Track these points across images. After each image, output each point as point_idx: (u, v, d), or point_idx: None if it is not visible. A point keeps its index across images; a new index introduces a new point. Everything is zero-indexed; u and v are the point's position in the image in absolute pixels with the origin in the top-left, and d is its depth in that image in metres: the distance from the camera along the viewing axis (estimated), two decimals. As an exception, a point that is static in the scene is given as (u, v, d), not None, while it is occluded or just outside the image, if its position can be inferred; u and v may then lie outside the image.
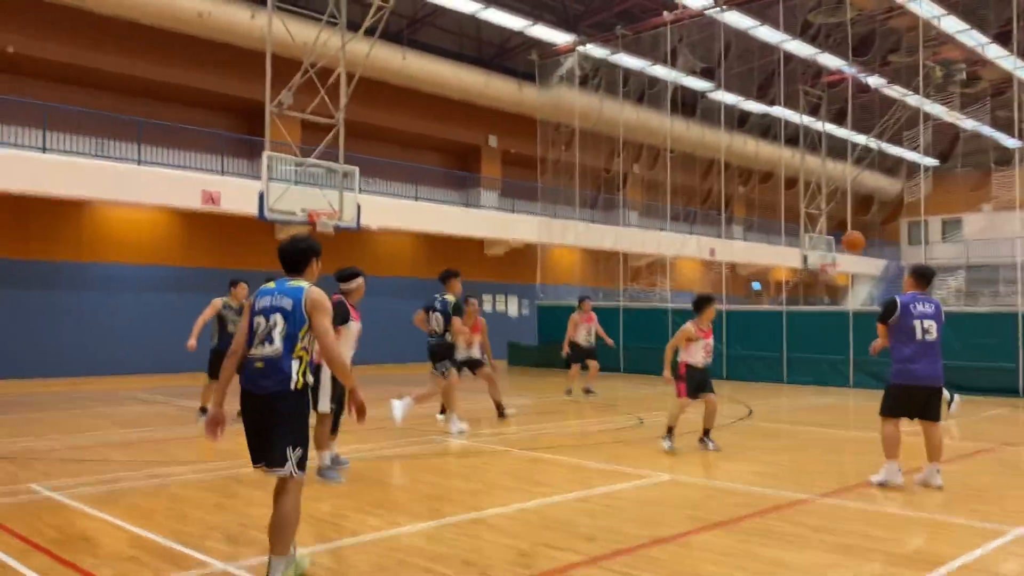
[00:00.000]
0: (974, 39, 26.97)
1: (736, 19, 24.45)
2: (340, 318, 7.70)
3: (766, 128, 33.75)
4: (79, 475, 8.03)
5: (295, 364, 4.69)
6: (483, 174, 28.40)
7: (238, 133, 22.51)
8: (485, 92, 26.21)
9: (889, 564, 5.23)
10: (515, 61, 27.99)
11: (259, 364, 4.68)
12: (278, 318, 4.73)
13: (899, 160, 39.17)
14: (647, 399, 15.88)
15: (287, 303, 4.76)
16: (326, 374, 7.64)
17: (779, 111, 29.23)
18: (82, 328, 19.07)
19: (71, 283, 19.18)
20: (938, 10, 24.37)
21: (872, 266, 40.86)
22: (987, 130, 35.69)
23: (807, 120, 30.90)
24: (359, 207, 17.15)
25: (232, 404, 4.99)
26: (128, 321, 19.68)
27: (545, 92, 26.87)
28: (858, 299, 39.79)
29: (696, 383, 9.50)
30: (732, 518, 6.35)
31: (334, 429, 8.11)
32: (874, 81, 30.57)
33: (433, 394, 11.22)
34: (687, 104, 30.01)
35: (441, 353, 10.87)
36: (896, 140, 34.27)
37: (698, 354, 9.52)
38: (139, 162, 19.05)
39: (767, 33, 25.51)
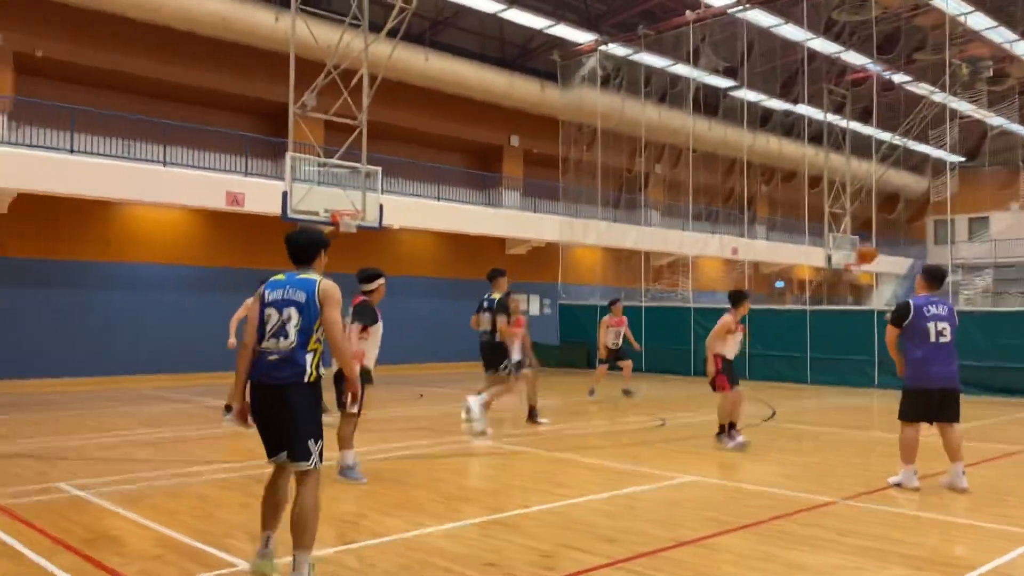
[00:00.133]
0: (1001, 36, 26.64)
1: (759, 17, 24.30)
2: (369, 318, 7.80)
3: (789, 127, 33.48)
4: (105, 474, 8.13)
5: (309, 357, 4.71)
6: (505, 174, 28.42)
7: (262, 134, 22.67)
8: (507, 92, 26.22)
9: (912, 568, 5.18)
10: (537, 61, 27.98)
11: (274, 357, 4.70)
12: (292, 311, 4.74)
13: (925, 158, 38.74)
14: (669, 400, 15.83)
15: (300, 296, 4.77)
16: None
17: (803, 109, 29.00)
18: (108, 327, 19.29)
19: (97, 283, 19.40)
20: (965, 7, 24.08)
21: (897, 265, 40.44)
22: (1015, 127, 35.23)
23: (831, 118, 30.63)
24: (381, 207, 17.21)
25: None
26: (153, 320, 19.88)
27: (567, 92, 26.85)
28: (883, 298, 39.38)
29: (730, 375, 9.58)
30: (754, 520, 6.32)
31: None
32: (899, 79, 30.27)
33: (508, 391, 11.22)
34: (709, 103, 29.84)
35: (495, 351, 10.86)
36: (922, 138, 33.91)
37: (733, 346, 9.64)
38: (165, 163, 19.24)
39: (791, 31, 25.31)
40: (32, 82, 19.78)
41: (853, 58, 28.44)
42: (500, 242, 27.02)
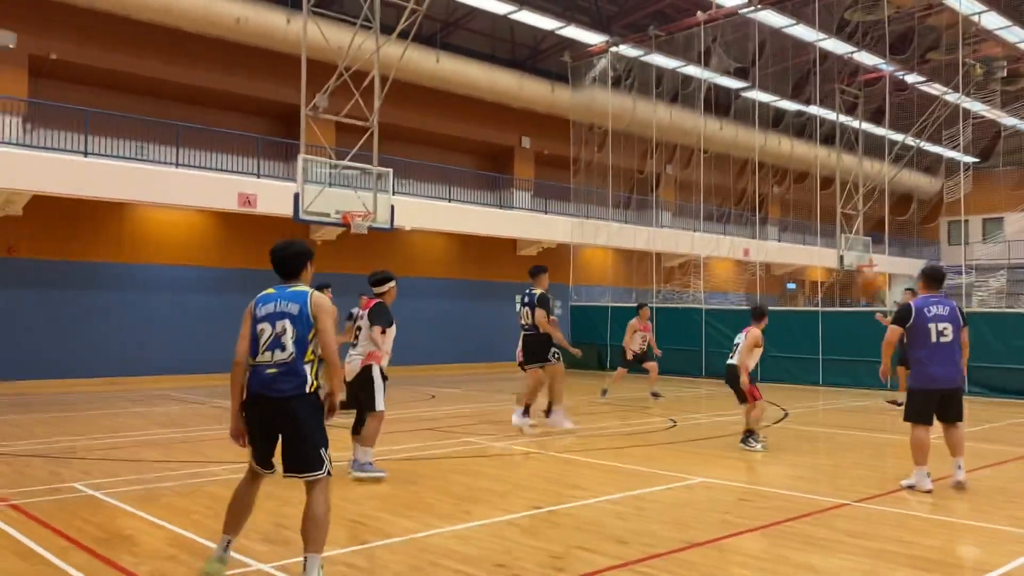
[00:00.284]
0: (1015, 35, 26.46)
1: (771, 18, 24.21)
2: (387, 320, 7.96)
3: (801, 127, 33.36)
4: (118, 474, 8.19)
5: (308, 367, 4.76)
6: (516, 175, 28.42)
7: (274, 136, 22.74)
8: (518, 94, 26.23)
9: (924, 571, 5.16)
10: (548, 62, 27.97)
11: (272, 370, 4.71)
12: (287, 324, 4.76)
13: (938, 158, 38.52)
14: (680, 401, 15.80)
15: (293, 308, 4.80)
16: (377, 373, 7.89)
17: (815, 110, 28.88)
18: (121, 328, 19.39)
19: (111, 284, 19.51)
20: (978, 6, 23.92)
21: (911, 266, 40.15)
22: (1029, 128, 35.00)
23: (843, 119, 30.50)
24: (393, 208, 17.25)
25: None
26: (166, 321, 19.97)
27: (578, 93, 26.83)
28: (896, 300, 39.21)
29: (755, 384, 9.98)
30: (766, 522, 6.31)
31: (359, 431, 8.20)
32: (912, 79, 30.11)
33: (540, 387, 11.47)
34: (721, 104, 29.77)
35: (539, 344, 11.14)
36: (935, 138, 33.71)
37: (757, 358, 10.01)
38: (177, 165, 19.32)
39: (802, 31, 25.21)
40: (46, 85, 19.91)
41: (865, 58, 28.31)
42: (511, 243, 27.03)
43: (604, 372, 22.54)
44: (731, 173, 31.79)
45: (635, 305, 17.55)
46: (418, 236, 24.54)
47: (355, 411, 8.43)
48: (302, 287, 4.93)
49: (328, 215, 16.28)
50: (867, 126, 32.32)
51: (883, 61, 28.14)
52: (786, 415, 13.44)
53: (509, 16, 24.04)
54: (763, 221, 34.95)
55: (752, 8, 23.07)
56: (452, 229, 24.39)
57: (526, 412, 11.47)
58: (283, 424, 4.71)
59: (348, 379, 8.10)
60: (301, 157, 16.05)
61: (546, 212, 27.67)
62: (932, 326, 7.42)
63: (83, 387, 18.12)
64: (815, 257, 34.56)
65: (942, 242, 44.66)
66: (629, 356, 15.81)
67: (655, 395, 15.77)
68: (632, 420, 12.89)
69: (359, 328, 8.17)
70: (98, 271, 19.37)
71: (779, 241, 35.97)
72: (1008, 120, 34.18)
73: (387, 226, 17.24)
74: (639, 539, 5.80)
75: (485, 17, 25.49)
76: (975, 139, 34.48)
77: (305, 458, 4.72)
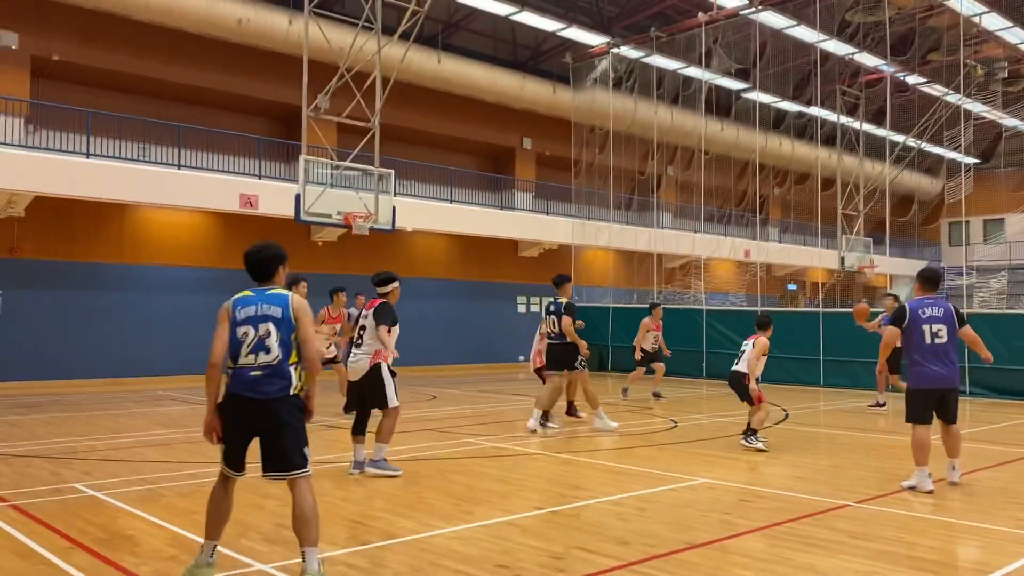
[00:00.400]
0: (1016, 36, 26.45)
1: (772, 19, 24.21)
2: (391, 319, 8.08)
3: (802, 128, 33.37)
4: (120, 474, 8.19)
5: (292, 369, 4.82)
6: (517, 176, 28.43)
7: (275, 137, 22.77)
8: (519, 95, 26.24)
9: (926, 571, 5.16)
10: (549, 63, 27.99)
11: (256, 372, 4.75)
12: (270, 327, 4.81)
13: (939, 159, 38.51)
14: (681, 402, 15.81)
15: (276, 311, 4.85)
16: (386, 371, 8.01)
17: (816, 111, 28.89)
18: (123, 329, 19.41)
19: (113, 285, 19.53)
20: (979, 7, 23.92)
21: (911, 267, 40.11)
22: (1031, 129, 34.99)
23: (844, 120, 30.50)
24: (394, 209, 17.26)
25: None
26: (167, 322, 19.99)
27: (579, 94, 26.84)
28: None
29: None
30: (767, 523, 6.31)
31: (361, 430, 8.23)
32: (913, 80, 30.09)
33: (559, 393, 11.79)
34: (722, 105, 29.78)
35: (567, 352, 11.30)
36: (936, 139, 33.70)
37: (762, 367, 10.28)
38: (179, 166, 19.34)
39: (803, 32, 25.22)
40: (48, 85, 19.93)
41: (867, 59, 28.30)
42: (512, 244, 27.05)
43: (605, 373, 22.55)
44: (732, 174, 31.80)
45: (646, 305, 17.71)
46: (419, 237, 24.55)
47: (355, 412, 8.47)
48: (280, 290, 4.99)
49: (330, 216, 16.29)
50: (868, 127, 32.32)
51: (884, 62, 28.14)
52: (787, 416, 13.44)
53: (510, 17, 24.06)
54: (764, 222, 34.97)
55: (753, 9, 23.07)
56: (453, 230, 24.41)
57: (545, 417, 11.62)
58: (266, 425, 4.76)
59: (354, 379, 8.17)
60: (302, 158, 16.06)
61: (547, 213, 27.69)
62: (927, 328, 7.53)
63: (85, 388, 18.13)
64: (816, 258, 34.56)
65: (943, 243, 44.66)
66: (639, 355, 15.93)
67: (656, 395, 15.89)
68: (634, 421, 12.89)
69: (363, 328, 8.20)
70: (100, 272, 19.39)
71: (780, 242, 35.97)
72: (1009, 121, 34.17)
73: (388, 227, 17.25)
74: (640, 540, 5.80)
75: (486, 18, 25.51)
76: (976, 140, 34.47)
77: (290, 458, 4.78)
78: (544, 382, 12.32)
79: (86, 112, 18.65)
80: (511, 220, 25.71)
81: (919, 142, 34.04)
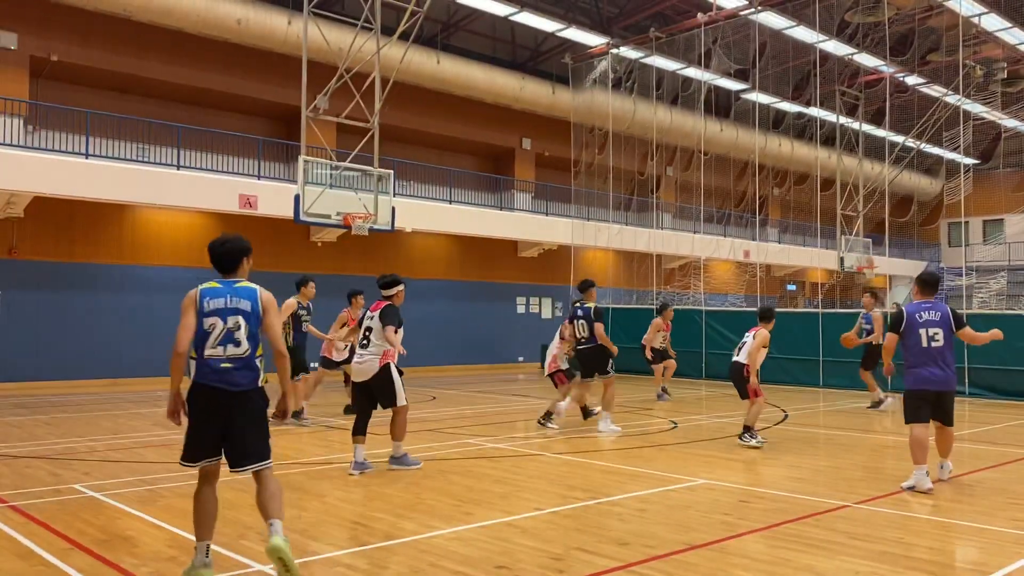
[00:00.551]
0: (1015, 37, 26.46)
1: (771, 19, 24.21)
2: (397, 320, 8.32)
3: (802, 129, 33.39)
4: (119, 475, 8.19)
5: (259, 362, 4.95)
6: (517, 177, 28.43)
7: (275, 137, 22.76)
8: (519, 95, 26.24)
9: (926, 572, 5.16)
10: (549, 64, 27.99)
11: (227, 364, 4.85)
12: (239, 319, 4.92)
13: (939, 160, 38.54)
14: (681, 402, 15.80)
15: (245, 304, 4.95)
16: (395, 371, 8.27)
17: (815, 112, 28.89)
18: (122, 330, 19.40)
19: (112, 285, 19.52)
20: (978, 8, 23.92)
21: (911, 268, 40.24)
22: (1030, 129, 34.99)
23: (844, 121, 30.51)
24: (394, 210, 17.25)
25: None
26: (167, 323, 19.82)
27: (579, 95, 26.84)
28: (896, 301, 39.22)
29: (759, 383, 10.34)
30: (767, 524, 6.31)
31: (362, 431, 8.27)
32: (912, 80, 30.10)
33: (585, 394, 12.15)
34: (721, 106, 29.79)
35: (597, 356, 11.38)
36: (936, 140, 33.73)
37: (762, 359, 10.36)
38: (178, 167, 19.33)
39: (803, 33, 25.22)
40: (47, 86, 19.93)
41: (866, 60, 28.30)
42: (512, 245, 27.05)
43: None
44: (731, 175, 31.82)
45: (648, 306, 17.78)
46: (419, 238, 24.55)
47: (357, 413, 8.50)
48: (248, 283, 5.08)
49: (329, 217, 16.28)
50: (867, 128, 32.32)
51: (883, 63, 28.14)
52: (786, 416, 13.44)
53: (510, 18, 24.05)
54: (763, 223, 34.97)
55: (752, 10, 23.07)
56: (453, 231, 24.41)
57: (547, 416, 11.87)
58: (239, 416, 4.86)
59: (361, 379, 8.33)
60: (302, 158, 16.05)
61: (547, 214, 27.70)
62: (923, 331, 7.68)
63: (84, 388, 18.13)
64: (815, 259, 34.59)
65: (942, 244, 44.67)
66: (649, 354, 16.09)
67: (662, 394, 15.98)
68: (633, 422, 12.88)
69: (368, 329, 8.36)
70: (99, 272, 19.39)
71: (779, 243, 35.98)
72: (1008, 122, 34.18)
73: (388, 228, 17.24)
74: (640, 540, 5.80)
75: (486, 19, 25.52)
76: (975, 141, 34.48)
77: (260, 449, 4.91)
78: (556, 385, 12.36)
79: (85, 112, 18.65)
80: (510, 221, 25.72)
81: (918, 143, 34.05)
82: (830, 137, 31.31)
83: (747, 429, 10.13)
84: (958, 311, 7.97)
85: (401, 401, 8.31)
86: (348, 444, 8.35)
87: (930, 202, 42.00)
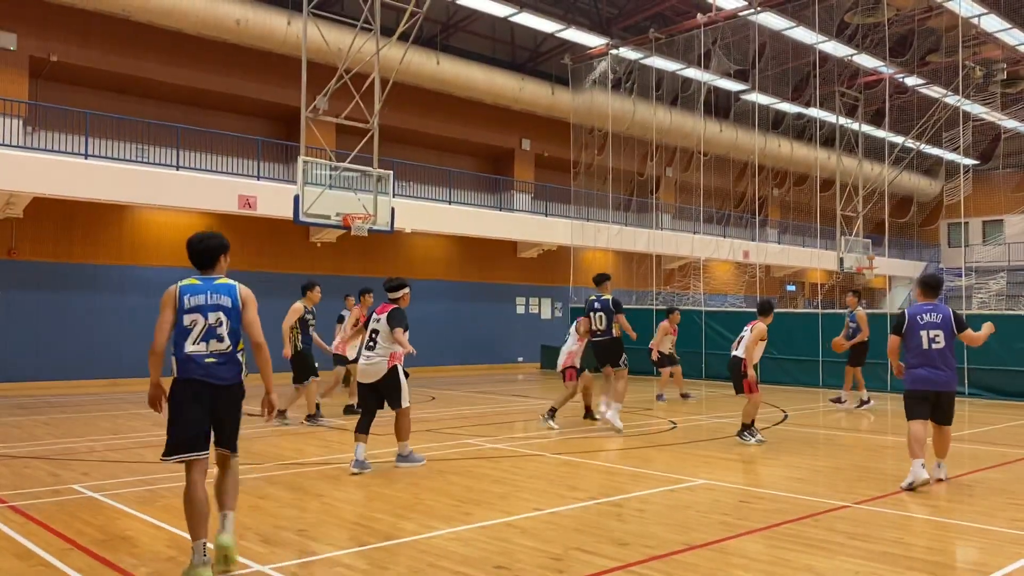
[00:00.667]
0: (1015, 38, 26.47)
1: (771, 20, 24.21)
2: (404, 323, 8.54)
3: (801, 130, 33.39)
4: (118, 475, 8.18)
5: (240, 356, 5.07)
6: (516, 177, 28.43)
7: (274, 138, 22.76)
8: (518, 96, 26.25)
9: (924, 573, 5.16)
10: (548, 65, 27.99)
11: (211, 359, 4.97)
12: (221, 316, 5.02)
13: (938, 161, 38.54)
14: (681, 403, 15.79)
15: (226, 301, 5.06)
16: (402, 373, 8.49)
17: (815, 112, 28.89)
18: (121, 330, 19.38)
19: (112, 286, 19.52)
20: (978, 9, 23.93)
21: (911, 268, 40.27)
22: (1029, 130, 35.00)
23: (843, 121, 30.51)
24: (393, 210, 17.24)
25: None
26: (166, 324, 19.94)
27: (578, 95, 26.83)
28: (896, 302, 39.21)
29: (756, 379, 10.32)
30: (766, 524, 6.31)
31: (365, 430, 8.31)
32: (912, 81, 30.10)
33: (592, 387, 12.20)
34: (721, 106, 29.81)
35: (613, 348, 11.42)
36: (935, 141, 33.73)
37: (760, 352, 10.39)
38: (177, 167, 19.33)
39: (802, 34, 25.23)
40: (46, 86, 19.93)
41: (865, 61, 28.30)
42: (512, 245, 27.05)
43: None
44: (731, 175, 31.82)
45: (655, 308, 17.85)
46: (418, 238, 24.55)
47: (362, 412, 8.53)
48: (227, 280, 5.17)
49: (328, 217, 16.26)
50: (867, 128, 32.31)
51: (883, 63, 28.13)
52: (786, 416, 13.44)
53: (509, 18, 24.06)
54: (763, 223, 34.98)
55: (752, 11, 23.08)
56: (452, 231, 24.41)
57: (552, 414, 11.93)
58: (226, 409, 5.04)
59: (369, 380, 8.48)
60: (301, 159, 16.04)
61: (546, 214, 27.70)
62: (924, 333, 7.76)
63: (83, 389, 18.12)
64: (815, 259, 34.59)
65: (942, 244, 44.68)
66: (656, 356, 16.17)
67: (660, 397, 16.04)
68: (633, 422, 12.88)
69: (375, 331, 8.51)
70: (98, 273, 19.38)
71: (779, 243, 35.99)
72: (1008, 122, 34.18)
73: (387, 228, 17.22)
74: (639, 541, 5.80)
75: (485, 19, 25.52)
76: (975, 141, 34.51)
77: (234, 438, 5.17)
78: (565, 380, 12.35)
79: (84, 113, 18.64)
80: (510, 221, 25.72)
81: (918, 143, 34.06)
82: (830, 138, 31.31)
83: (746, 427, 10.17)
84: (959, 313, 8.00)
85: (404, 403, 8.48)
86: (348, 444, 8.35)
87: (930, 203, 42.01)
